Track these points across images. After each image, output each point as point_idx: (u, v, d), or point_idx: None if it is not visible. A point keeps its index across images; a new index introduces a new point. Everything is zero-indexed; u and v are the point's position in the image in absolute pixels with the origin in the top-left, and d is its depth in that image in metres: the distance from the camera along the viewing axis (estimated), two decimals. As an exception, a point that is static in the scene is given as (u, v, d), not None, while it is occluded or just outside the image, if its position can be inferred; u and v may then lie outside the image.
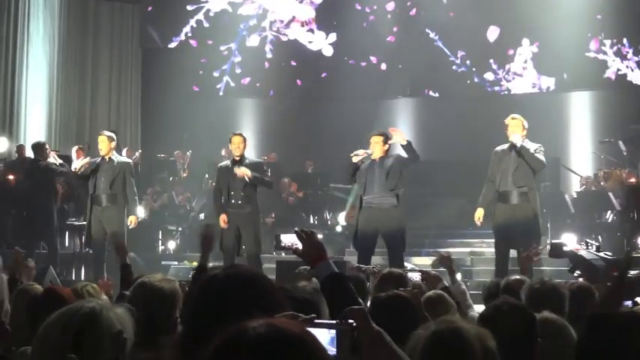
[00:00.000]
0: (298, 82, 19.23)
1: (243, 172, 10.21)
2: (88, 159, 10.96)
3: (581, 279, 6.22)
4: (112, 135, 11.09)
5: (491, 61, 18.44)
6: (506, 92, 18.45)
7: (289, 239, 5.08)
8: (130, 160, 11.40)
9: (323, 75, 19.15)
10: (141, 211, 13.04)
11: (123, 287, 5.21)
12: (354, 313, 2.49)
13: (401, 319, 3.63)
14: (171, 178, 16.18)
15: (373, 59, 18.94)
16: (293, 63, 19.14)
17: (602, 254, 6.33)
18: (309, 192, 15.99)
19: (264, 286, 2.39)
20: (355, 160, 9.88)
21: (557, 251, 6.57)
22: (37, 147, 12.33)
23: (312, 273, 3.36)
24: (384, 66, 18.87)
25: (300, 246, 3.30)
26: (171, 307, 3.74)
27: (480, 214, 9.93)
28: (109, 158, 10.80)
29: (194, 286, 4.85)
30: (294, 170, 16.63)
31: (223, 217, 10.35)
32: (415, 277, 6.05)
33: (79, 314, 2.32)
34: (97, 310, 2.34)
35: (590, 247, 6.47)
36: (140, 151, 16.00)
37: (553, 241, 6.60)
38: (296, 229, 3.43)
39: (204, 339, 2.15)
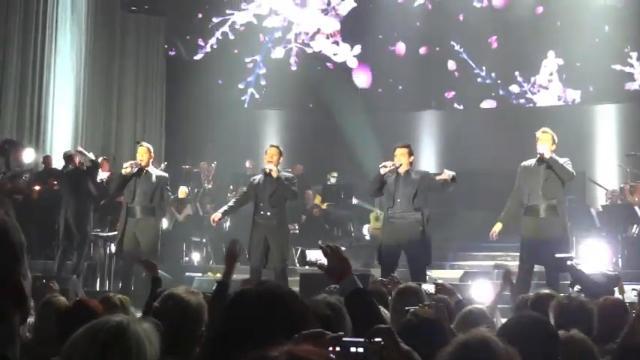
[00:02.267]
0: (322, 94, 19.22)
1: (272, 168, 10.25)
2: (133, 161, 10.74)
3: (582, 295, 6.20)
4: (151, 147, 11.07)
5: (517, 73, 18.38)
6: (531, 105, 18.38)
7: (315, 255, 5.06)
8: (166, 175, 11.31)
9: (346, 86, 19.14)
10: (165, 223, 13.10)
11: (151, 299, 5.20)
12: (382, 331, 2.49)
13: (430, 342, 3.62)
14: (196, 190, 16.23)
15: (398, 70, 18.91)
16: (318, 75, 19.13)
17: (603, 270, 6.30)
18: (333, 204, 16.00)
19: (293, 304, 2.40)
20: (383, 171, 9.86)
21: (560, 266, 6.56)
22: (67, 157, 12.47)
23: (338, 290, 3.36)
24: (408, 78, 18.81)
25: (324, 261, 3.30)
26: (198, 320, 3.73)
27: (497, 228, 9.85)
28: (147, 170, 10.71)
29: (216, 299, 4.86)
30: (319, 182, 16.63)
31: (215, 216, 10.66)
32: (429, 289, 6.02)
33: (105, 328, 2.33)
34: (124, 324, 2.34)
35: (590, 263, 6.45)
36: (165, 162, 16.05)
37: (557, 255, 6.56)
38: (321, 244, 3.42)
39: (231, 355, 2.16)
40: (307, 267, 8.39)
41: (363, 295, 3.15)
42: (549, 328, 3.29)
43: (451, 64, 18.68)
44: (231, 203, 10.89)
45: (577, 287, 6.34)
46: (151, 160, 10.83)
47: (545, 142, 9.56)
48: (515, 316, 3.45)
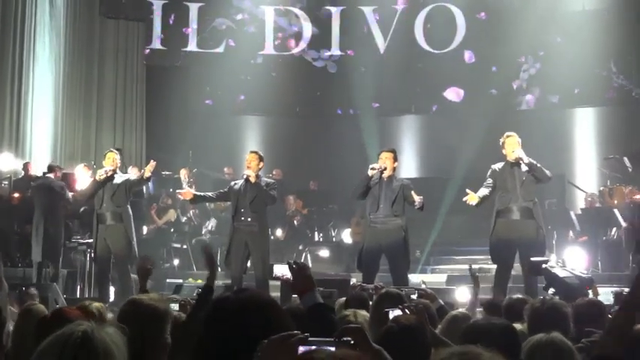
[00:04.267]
0: (301, 98, 19.22)
1: (250, 173, 10.28)
2: (108, 168, 10.87)
3: (556, 297, 6.27)
4: (118, 154, 11.23)
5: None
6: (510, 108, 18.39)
7: (281, 270, 5.13)
8: (128, 175, 11.43)
9: (326, 92, 19.14)
10: (144, 229, 13.09)
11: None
12: (352, 330, 2.53)
13: (411, 349, 3.71)
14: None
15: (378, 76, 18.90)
16: (297, 80, 19.12)
17: (577, 272, 6.36)
18: (314, 209, 16.04)
19: (273, 312, 2.45)
20: (371, 173, 9.93)
21: (535, 269, 6.63)
22: (51, 168, 12.66)
23: (300, 304, 3.55)
24: (389, 83, 18.80)
25: (290, 276, 3.52)
26: (162, 328, 3.72)
27: (471, 198, 9.65)
28: (114, 176, 10.87)
29: (199, 305, 4.88)
30: (299, 188, 16.65)
31: (187, 192, 10.80)
32: (412, 295, 6.07)
33: (72, 339, 2.33)
34: (89, 332, 2.34)
35: (566, 266, 6.50)
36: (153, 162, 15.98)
37: (532, 258, 6.63)
38: (289, 260, 3.68)
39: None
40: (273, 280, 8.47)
41: (322, 309, 3.35)
42: (508, 329, 3.36)
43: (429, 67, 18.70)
44: (209, 194, 11.00)
45: (551, 290, 6.40)
46: (118, 166, 11.00)
47: (516, 146, 9.64)
48: (473, 321, 3.51)
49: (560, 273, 6.32)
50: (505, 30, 17.75)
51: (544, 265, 6.43)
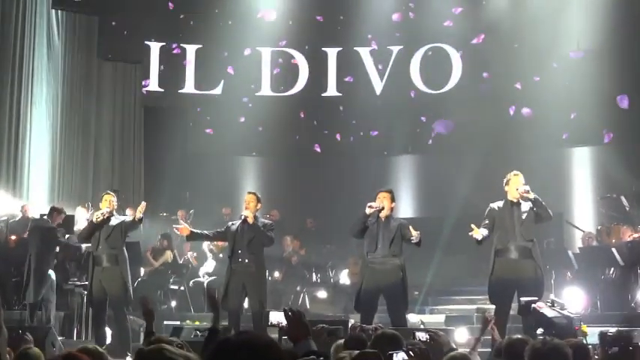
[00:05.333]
0: (298, 138, 19.28)
1: (248, 214, 10.26)
2: (105, 210, 10.92)
3: (546, 337, 6.25)
4: (115, 196, 11.29)
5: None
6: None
7: (277, 317, 5.13)
8: (124, 217, 11.43)
9: (325, 132, 19.23)
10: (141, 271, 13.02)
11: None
12: None
13: None
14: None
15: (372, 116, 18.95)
16: (293, 120, 19.20)
17: (565, 312, 6.34)
18: (312, 249, 16.02)
19: (274, 354, 2.48)
20: (369, 211, 9.90)
21: (524, 309, 6.62)
22: (52, 210, 12.68)
23: (293, 350, 3.57)
24: (382, 123, 18.86)
25: (285, 324, 3.60)
26: None
27: (476, 232, 9.56)
28: (110, 219, 10.89)
29: (208, 346, 4.85)
30: (296, 227, 16.64)
31: (184, 228, 10.62)
32: (423, 336, 6.01)
33: None
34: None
35: (555, 306, 6.48)
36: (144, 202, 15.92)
37: (522, 298, 6.62)
38: (285, 307, 3.81)
39: None
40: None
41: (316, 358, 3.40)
42: None
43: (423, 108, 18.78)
44: (206, 231, 10.95)
45: (539, 330, 6.39)
46: (114, 208, 11.05)
47: (518, 184, 9.60)
48: None
49: (548, 313, 6.30)
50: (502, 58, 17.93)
51: (533, 305, 6.42)
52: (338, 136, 18.95)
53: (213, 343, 2.56)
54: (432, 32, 18.57)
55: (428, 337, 5.97)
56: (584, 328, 6.07)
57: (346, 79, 19.18)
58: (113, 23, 18.44)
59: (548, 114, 17.68)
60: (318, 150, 19.22)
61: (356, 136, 18.71)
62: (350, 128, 18.95)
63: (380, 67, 18.96)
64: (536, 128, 17.61)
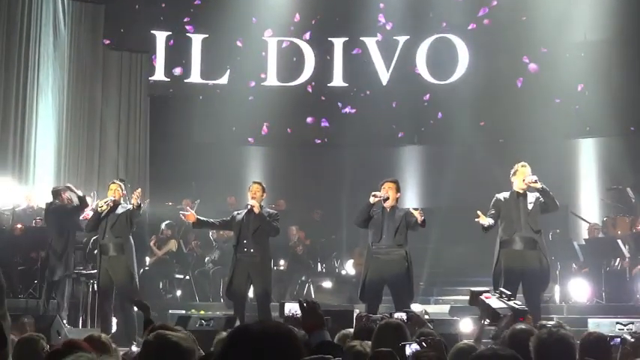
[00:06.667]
0: (305, 129, 19.29)
1: (254, 204, 10.28)
2: (109, 199, 10.99)
3: (492, 327, 6.31)
4: (122, 184, 11.35)
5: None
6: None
7: (292, 307, 5.15)
8: (129, 206, 11.41)
9: (330, 122, 19.24)
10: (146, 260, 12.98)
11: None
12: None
13: None
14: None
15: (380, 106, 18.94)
16: (300, 110, 19.21)
17: (511, 303, 6.36)
18: (317, 239, 16.03)
19: (292, 343, 2.50)
20: (373, 200, 9.87)
21: (473, 299, 6.65)
22: (55, 192, 12.57)
23: (308, 341, 3.61)
24: (388, 113, 18.84)
25: (300, 315, 3.70)
26: None
27: (482, 218, 9.65)
28: (117, 207, 10.98)
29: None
30: (302, 218, 16.64)
31: (191, 214, 10.55)
32: (400, 315, 6.12)
33: None
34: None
35: (503, 297, 6.50)
36: (148, 199, 15.96)
37: (472, 289, 6.64)
38: (300, 299, 3.86)
39: None
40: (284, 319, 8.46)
41: (330, 347, 3.48)
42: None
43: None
44: (212, 220, 10.91)
45: (486, 320, 6.45)
46: (122, 197, 11.20)
47: (529, 174, 9.58)
48: (477, 353, 3.47)
49: (494, 304, 6.34)
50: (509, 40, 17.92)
51: (480, 297, 6.47)
52: (343, 127, 18.91)
53: (231, 331, 2.58)
54: (437, 20, 18.60)
55: (406, 317, 6.09)
56: (529, 320, 6.10)
57: (352, 70, 19.16)
58: (119, 12, 18.42)
59: (555, 105, 17.67)
60: (324, 140, 19.24)
61: (362, 126, 18.66)
62: (356, 118, 18.92)
63: (386, 57, 18.94)
64: (542, 119, 17.56)
